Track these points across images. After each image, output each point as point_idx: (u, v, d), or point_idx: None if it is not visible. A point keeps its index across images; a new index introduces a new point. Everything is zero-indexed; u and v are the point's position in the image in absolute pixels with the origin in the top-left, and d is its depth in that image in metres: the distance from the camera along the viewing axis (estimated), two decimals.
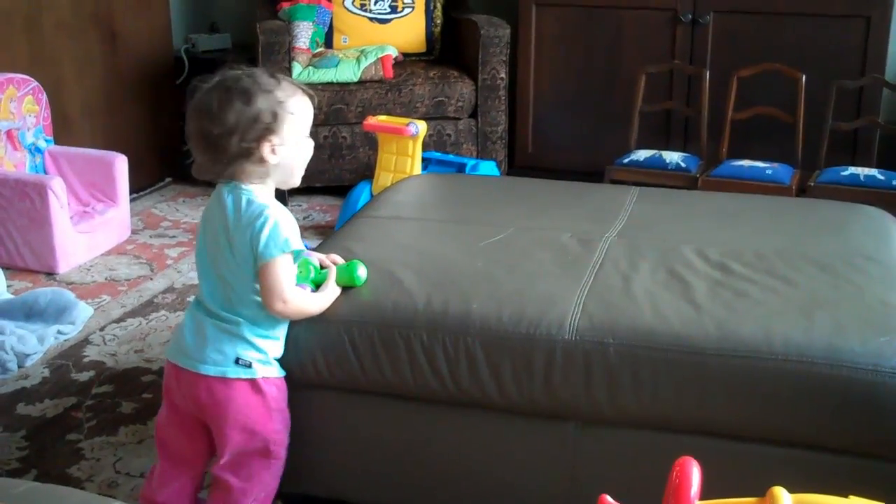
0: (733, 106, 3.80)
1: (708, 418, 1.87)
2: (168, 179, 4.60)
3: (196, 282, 3.41)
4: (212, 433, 1.94)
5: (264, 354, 1.91)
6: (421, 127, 3.71)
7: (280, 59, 4.09)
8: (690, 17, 4.10)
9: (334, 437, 2.12)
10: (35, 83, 3.80)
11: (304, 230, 3.98)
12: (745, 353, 1.84)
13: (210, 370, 1.88)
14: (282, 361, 2.00)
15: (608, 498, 1.12)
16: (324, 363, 2.02)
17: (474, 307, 1.99)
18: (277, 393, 1.94)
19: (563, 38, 4.32)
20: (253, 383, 1.89)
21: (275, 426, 1.93)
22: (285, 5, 4.47)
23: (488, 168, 3.90)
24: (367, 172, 4.03)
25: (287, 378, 2.02)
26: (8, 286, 3.26)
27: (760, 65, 3.80)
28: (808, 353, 1.82)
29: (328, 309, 2.02)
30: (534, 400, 1.94)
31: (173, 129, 4.61)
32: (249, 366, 1.89)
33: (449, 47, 4.59)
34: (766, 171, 3.61)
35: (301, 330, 2.01)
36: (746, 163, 3.68)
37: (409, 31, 4.54)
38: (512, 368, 1.93)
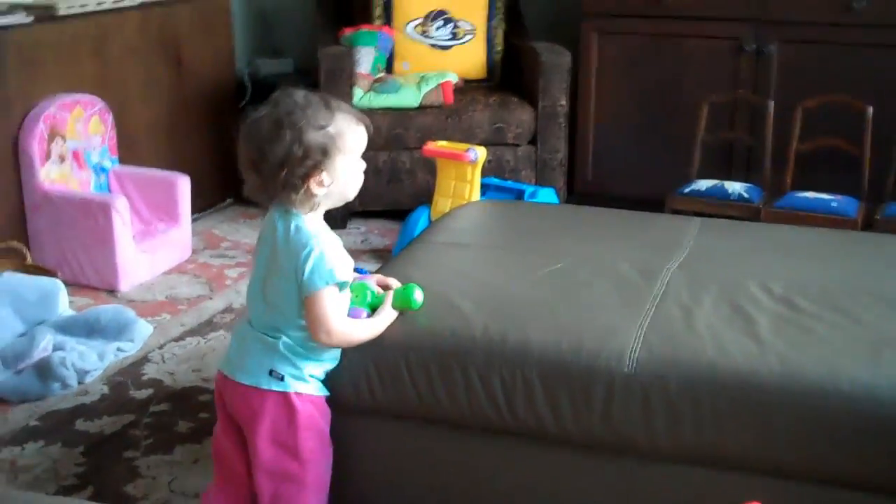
0: (798, 137, 3.74)
1: (771, 457, 1.83)
2: (229, 200, 4.64)
3: None
4: None
5: (299, 370, 1.90)
6: (480, 153, 3.71)
7: (342, 84, 4.12)
8: (755, 46, 4.05)
9: (387, 465, 2.11)
10: (102, 104, 3.86)
11: (362, 254, 3.98)
12: (810, 391, 1.80)
13: (245, 379, 1.88)
14: (335, 386, 2.00)
15: None
16: (379, 388, 2.02)
17: (532, 337, 1.97)
18: (314, 411, 1.92)
19: (624, 65, 4.29)
20: (285, 397, 1.88)
21: (307, 444, 1.91)
22: (347, 31, 4.50)
23: (547, 195, 3.88)
24: (426, 197, 4.03)
25: (340, 403, 2.02)
26: (70, 303, 3.31)
27: (826, 96, 3.74)
28: (876, 393, 1.78)
29: (384, 333, 2.01)
30: (592, 433, 1.91)
31: (235, 152, 4.64)
32: (282, 379, 1.88)
33: (509, 74, 4.58)
34: (832, 204, 3.54)
35: (356, 354, 2.01)
36: (811, 195, 3.62)
37: (470, 57, 4.55)
38: (570, 400, 1.91)
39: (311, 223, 1.87)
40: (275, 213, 1.89)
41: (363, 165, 1.94)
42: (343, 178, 1.87)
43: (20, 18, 3.57)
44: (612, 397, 1.88)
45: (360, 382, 2.02)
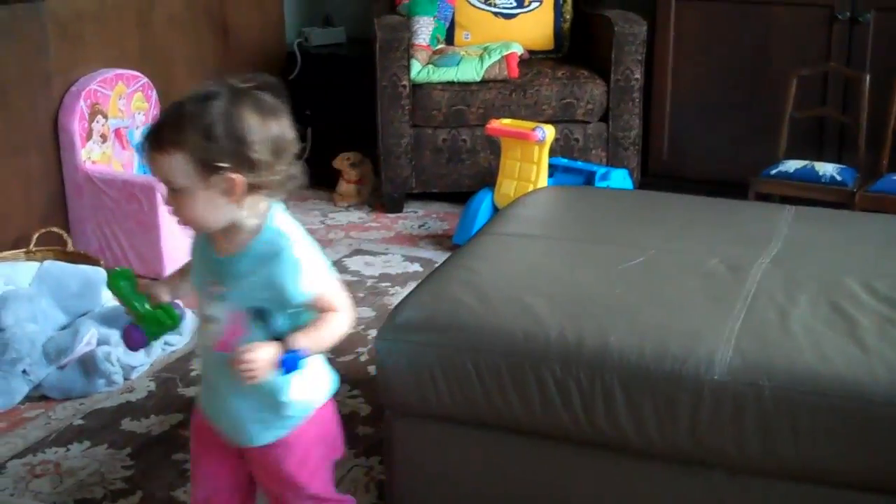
0: None
1: (875, 473, 1.79)
2: None
3: None
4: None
5: None
6: (548, 132, 3.67)
7: (398, 57, 4.09)
8: (849, 14, 3.95)
9: (453, 473, 2.10)
10: (145, 79, 3.88)
11: (420, 239, 3.98)
12: None
13: None
14: (402, 389, 2.01)
15: None
16: (446, 392, 2.01)
17: (612, 340, 1.94)
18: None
19: (705, 36, 4.22)
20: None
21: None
22: (404, 0, 4.48)
23: (620, 177, 3.83)
24: (489, 179, 4.01)
25: (405, 406, 2.02)
26: None
27: None
28: None
29: (453, 335, 2.00)
30: (677, 444, 1.89)
31: None
32: None
33: (579, 45, 4.53)
34: None
35: (425, 357, 2.00)
36: None
37: (536, 26, 4.50)
38: (653, 409, 1.88)
39: None
40: None
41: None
42: None
43: None
44: (700, 407, 1.85)
45: (426, 386, 2.02)
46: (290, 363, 1.62)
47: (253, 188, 1.63)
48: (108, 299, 3.22)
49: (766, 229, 2.45)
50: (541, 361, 1.95)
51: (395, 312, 2.13)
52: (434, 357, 2.02)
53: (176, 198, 1.63)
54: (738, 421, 1.83)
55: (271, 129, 1.63)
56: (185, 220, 1.67)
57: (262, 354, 1.60)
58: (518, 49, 4.29)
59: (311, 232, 3.91)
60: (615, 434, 1.92)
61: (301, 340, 1.63)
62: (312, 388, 1.76)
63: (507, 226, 2.57)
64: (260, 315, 1.66)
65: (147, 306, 1.74)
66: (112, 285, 1.77)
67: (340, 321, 1.68)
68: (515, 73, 4.17)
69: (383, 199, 4.29)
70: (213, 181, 1.60)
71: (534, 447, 2.03)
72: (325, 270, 1.69)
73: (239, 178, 1.60)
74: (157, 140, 1.61)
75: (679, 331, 1.96)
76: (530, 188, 3.58)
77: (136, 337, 1.74)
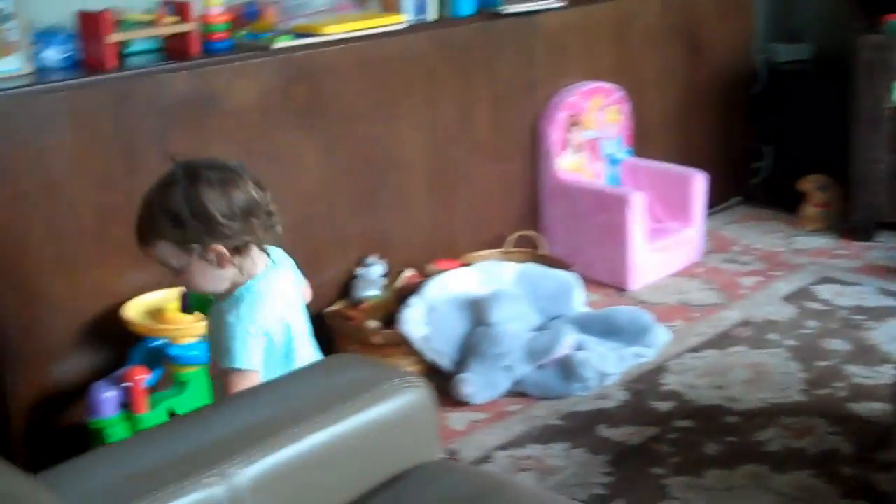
0: None
1: None
2: (735, 199, 4.59)
3: (775, 318, 3.37)
4: None
5: None
6: None
7: (883, 78, 3.90)
8: None
9: None
10: (621, 92, 3.98)
11: (889, 272, 3.77)
12: None
13: None
14: None
15: None
16: None
17: None
18: None
19: None
20: None
21: None
22: (890, 18, 4.25)
23: None
24: None
25: None
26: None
27: None
28: None
29: None
30: None
31: (745, 145, 4.61)
32: None
33: None
34: None
35: None
36: None
37: None
38: None
39: None
40: None
41: None
42: None
43: (553, 3, 3.76)
44: None
45: None
46: None
47: (238, 250, 1.87)
48: (579, 304, 3.34)
49: None
50: None
51: None
52: None
53: (178, 276, 1.90)
54: None
55: (233, 197, 1.84)
56: (196, 292, 1.97)
57: None
58: None
59: (774, 255, 3.92)
60: None
61: None
62: None
63: None
64: None
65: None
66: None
67: None
68: None
69: (851, 225, 4.10)
70: (198, 256, 1.85)
71: None
72: (248, 354, 1.87)
73: (218, 247, 1.84)
74: (140, 237, 1.88)
75: None
76: None
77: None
